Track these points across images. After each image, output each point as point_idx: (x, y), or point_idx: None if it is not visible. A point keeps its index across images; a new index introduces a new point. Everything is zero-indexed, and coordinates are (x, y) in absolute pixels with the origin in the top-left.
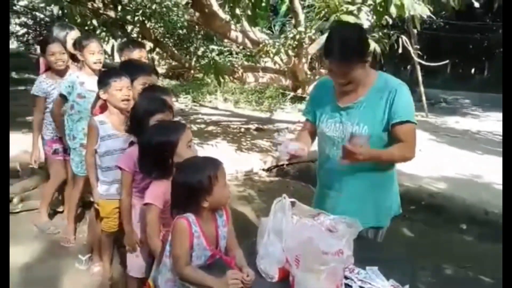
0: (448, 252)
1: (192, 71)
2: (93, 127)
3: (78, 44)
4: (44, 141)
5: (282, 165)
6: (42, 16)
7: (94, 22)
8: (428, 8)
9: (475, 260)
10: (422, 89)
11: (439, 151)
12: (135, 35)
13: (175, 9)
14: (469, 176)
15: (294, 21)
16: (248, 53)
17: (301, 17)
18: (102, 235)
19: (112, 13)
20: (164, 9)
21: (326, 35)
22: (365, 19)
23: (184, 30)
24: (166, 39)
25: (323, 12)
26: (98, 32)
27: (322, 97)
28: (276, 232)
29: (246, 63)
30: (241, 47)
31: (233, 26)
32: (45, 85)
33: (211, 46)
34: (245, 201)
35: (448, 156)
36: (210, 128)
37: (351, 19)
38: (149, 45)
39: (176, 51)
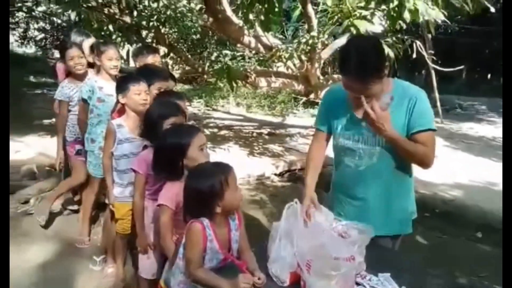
0: (462, 260)
1: (205, 76)
2: (111, 130)
3: (96, 50)
4: (67, 142)
5: (295, 169)
6: (59, 21)
7: (110, 27)
8: (442, 12)
9: (490, 269)
10: (437, 94)
11: (454, 157)
12: (150, 40)
13: (189, 14)
14: (485, 183)
15: (307, 26)
16: (261, 58)
17: (314, 22)
18: (116, 237)
19: (127, 19)
20: (179, 14)
21: (338, 40)
22: (379, 24)
23: (198, 35)
24: (180, 44)
25: (336, 17)
26: (114, 37)
27: (336, 107)
28: (287, 236)
29: (258, 68)
30: (254, 52)
31: (246, 31)
32: (67, 89)
33: (224, 51)
34: (257, 206)
35: (463, 163)
36: (223, 132)
37: (364, 24)
38: (163, 50)
39: (189, 56)
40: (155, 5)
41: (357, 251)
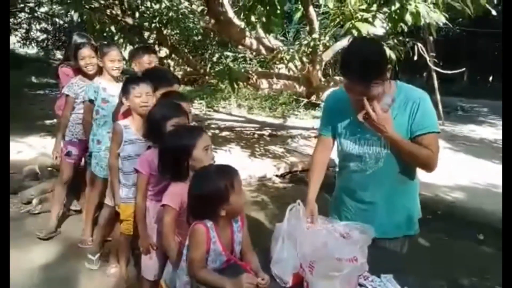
0: (464, 262)
1: (206, 77)
2: (118, 131)
3: (99, 51)
4: (63, 141)
5: (296, 171)
6: (61, 22)
7: (113, 28)
8: (444, 15)
9: (493, 271)
10: (438, 96)
11: (455, 159)
12: (152, 41)
13: (191, 16)
14: (486, 185)
15: (309, 28)
16: (262, 60)
17: (316, 24)
18: (121, 237)
19: (130, 20)
20: (181, 16)
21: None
22: (380, 27)
23: (200, 37)
24: (182, 46)
25: (337, 19)
26: (116, 38)
27: (339, 111)
28: (290, 237)
29: (260, 69)
30: (255, 53)
31: (247, 33)
32: (76, 86)
33: (226, 53)
34: (258, 207)
35: (465, 165)
36: (224, 133)
37: (366, 26)
38: (165, 51)
39: (191, 58)
40: (157, 6)
41: (359, 251)
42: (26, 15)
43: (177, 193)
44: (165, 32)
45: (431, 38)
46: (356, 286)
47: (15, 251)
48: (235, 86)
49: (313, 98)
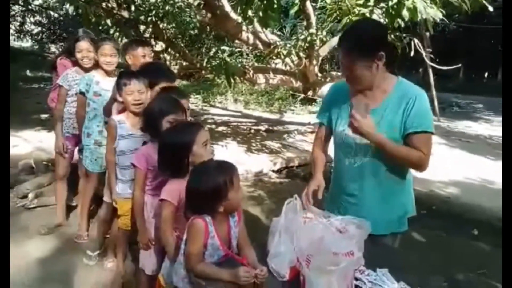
0: (459, 257)
1: (203, 72)
2: (112, 126)
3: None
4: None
5: (292, 166)
6: (56, 15)
7: (108, 21)
8: (440, 11)
9: (487, 265)
10: (434, 92)
11: (450, 155)
12: (147, 35)
13: (187, 10)
14: (481, 181)
15: (306, 23)
16: (259, 54)
17: (313, 19)
18: (119, 232)
19: (125, 13)
20: (177, 9)
21: (337, 38)
22: None
23: (196, 31)
24: (178, 40)
25: (335, 14)
26: (111, 32)
27: (338, 101)
28: (287, 232)
29: (256, 64)
30: (252, 48)
31: (244, 28)
32: (70, 78)
33: (222, 47)
34: (255, 202)
35: (460, 161)
36: (220, 128)
37: None
38: (161, 45)
39: (187, 52)
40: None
41: (356, 246)
42: (20, 8)
43: (176, 188)
44: (161, 26)
45: (427, 34)
46: (352, 280)
47: (11, 245)
48: (232, 80)
49: (310, 93)
